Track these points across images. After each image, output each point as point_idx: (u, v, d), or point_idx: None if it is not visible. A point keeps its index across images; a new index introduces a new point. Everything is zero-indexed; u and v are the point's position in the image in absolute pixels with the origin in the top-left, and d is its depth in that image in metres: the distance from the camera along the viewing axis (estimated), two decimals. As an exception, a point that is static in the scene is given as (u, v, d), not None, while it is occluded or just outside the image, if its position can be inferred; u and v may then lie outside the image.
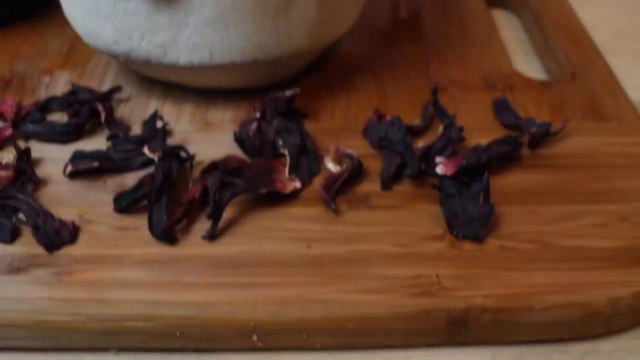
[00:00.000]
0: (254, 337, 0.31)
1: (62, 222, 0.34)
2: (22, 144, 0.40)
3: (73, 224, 0.35)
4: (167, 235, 0.34)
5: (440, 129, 0.39)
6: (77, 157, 0.38)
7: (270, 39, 0.37)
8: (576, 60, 0.47)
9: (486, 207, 0.34)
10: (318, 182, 0.37)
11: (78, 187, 0.37)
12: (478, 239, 0.34)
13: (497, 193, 0.36)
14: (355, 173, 0.37)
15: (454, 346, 0.32)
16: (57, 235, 0.34)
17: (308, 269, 0.33)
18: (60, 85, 0.45)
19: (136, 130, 0.41)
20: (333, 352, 0.32)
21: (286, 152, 0.37)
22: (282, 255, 0.33)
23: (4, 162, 0.38)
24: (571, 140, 0.40)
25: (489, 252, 0.34)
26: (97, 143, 0.40)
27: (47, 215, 0.35)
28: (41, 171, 0.38)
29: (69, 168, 0.37)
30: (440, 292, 0.31)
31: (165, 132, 0.40)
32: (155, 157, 0.36)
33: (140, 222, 0.35)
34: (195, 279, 0.32)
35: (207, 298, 0.31)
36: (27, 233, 0.35)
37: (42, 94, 0.44)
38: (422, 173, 0.37)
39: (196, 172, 0.37)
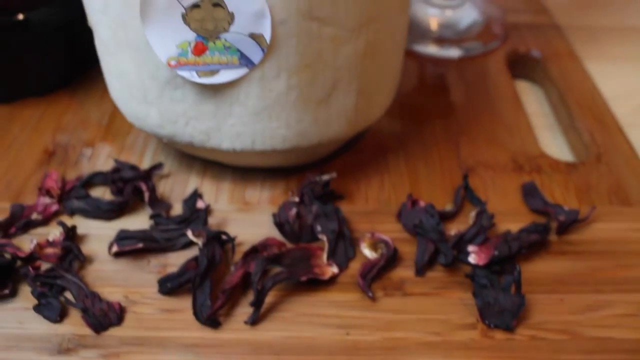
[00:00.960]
0: None
1: (110, 304, 0.36)
2: (66, 218, 0.42)
3: (120, 305, 0.36)
4: (211, 320, 0.35)
5: (472, 215, 0.40)
6: (122, 237, 0.39)
7: (311, 127, 0.39)
8: (601, 140, 0.48)
9: (517, 298, 0.36)
10: (354, 266, 0.39)
11: (122, 266, 0.39)
12: (509, 329, 0.35)
13: (527, 280, 0.38)
14: (390, 259, 0.38)
15: None
16: (104, 318, 0.35)
17: (347, 356, 0.34)
18: (101, 157, 0.46)
19: (177, 207, 0.42)
20: None
21: (325, 238, 0.38)
22: (322, 342, 0.35)
23: (50, 238, 0.39)
24: (597, 226, 0.42)
25: (520, 342, 0.35)
26: (140, 220, 0.41)
27: (95, 296, 0.36)
28: (85, 248, 0.40)
29: (115, 248, 0.39)
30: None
31: (207, 214, 0.41)
32: (199, 242, 0.37)
33: (183, 305, 0.36)
34: (239, 366, 0.33)
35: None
36: (74, 312, 0.36)
37: (85, 167, 0.46)
38: (455, 260, 0.38)
39: (237, 254, 0.38)
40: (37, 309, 0.36)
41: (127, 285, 0.38)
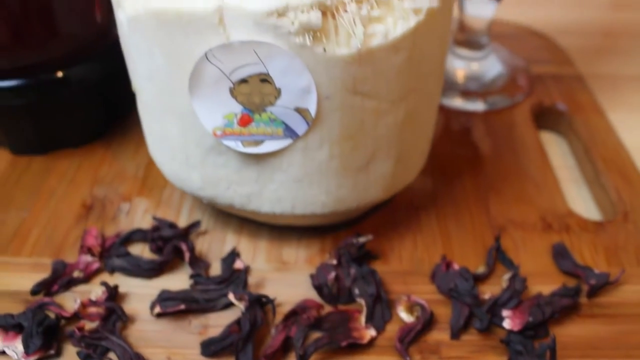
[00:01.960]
0: None
1: (154, 367, 0.37)
2: (106, 275, 0.43)
3: (163, 368, 0.37)
4: (254, 385, 0.36)
5: (505, 278, 0.41)
6: (164, 298, 0.40)
7: (350, 193, 0.40)
8: (627, 198, 0.49)
9: (553, 365, 0.37)
10: (390, 328, 0.39)
11: (164, 327, 0.40)
12: (546, 395, 0.36)
13: (559, 344, 0.38)
14: (427, 323, 0.39)
15: None
16: (149, 380, 0.36)
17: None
18: (139, 212, 0.47)
19: (215, 265, 0.43)
20: None
21: (363, 302, 0.39)
22: (363, 407, 0.36)
23: (93, 297, 0.40)
24: (626, 288, 0.42)
25: (555, 409, 0.36)
26: (179, 278, 0.42)
27: (139, 358, 0.37)
28: (127, 307, 0.41)
29: (157, 309, 0.40)
30: None
31: (247, 275, 0.42)
32: (241, 305, 0.38)
33: (225, 367, 0.37)
34: None
35: None
36: (118, 373, 0.37)
37: (123, 222, 0.47)
38: (489, 323, 0.39)
39: (277, 315, 0.39)
40: (84, 370, 0.37)
41: (169, 346, 0.39)
